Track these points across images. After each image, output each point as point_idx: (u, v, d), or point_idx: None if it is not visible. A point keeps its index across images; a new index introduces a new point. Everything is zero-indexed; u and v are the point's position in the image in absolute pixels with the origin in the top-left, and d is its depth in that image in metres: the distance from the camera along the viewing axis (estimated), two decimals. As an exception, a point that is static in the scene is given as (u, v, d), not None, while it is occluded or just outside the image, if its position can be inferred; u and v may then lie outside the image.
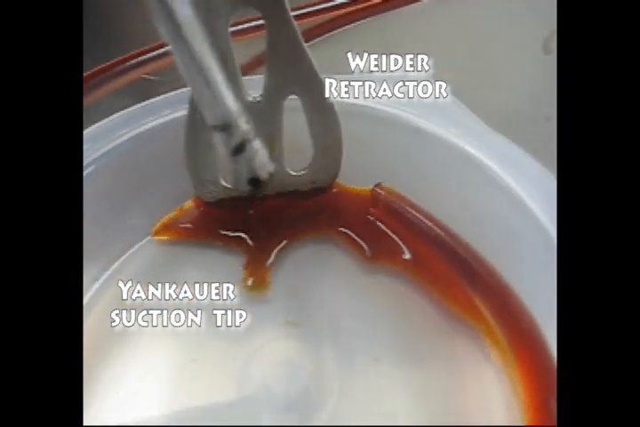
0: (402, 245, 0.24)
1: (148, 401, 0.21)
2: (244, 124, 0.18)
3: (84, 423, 0.19)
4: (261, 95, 0.22)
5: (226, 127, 0.17)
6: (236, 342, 0.22)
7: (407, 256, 0.24)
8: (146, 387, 0.21)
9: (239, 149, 0.18)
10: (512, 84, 0.33)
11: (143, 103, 0.23)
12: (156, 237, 0.24)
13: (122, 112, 0.23)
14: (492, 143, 0.23)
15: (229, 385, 0.21)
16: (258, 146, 0.18)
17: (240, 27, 0.32)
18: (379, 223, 0.25)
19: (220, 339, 0.22)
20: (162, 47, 0.27)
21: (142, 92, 0.26)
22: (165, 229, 0.24)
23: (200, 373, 0.21)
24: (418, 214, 0.24)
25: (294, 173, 0.24)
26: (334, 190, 0.25)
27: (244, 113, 0.18)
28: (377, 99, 0.24)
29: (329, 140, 0.23)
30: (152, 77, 0.28)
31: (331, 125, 0.22)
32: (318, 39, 0.34)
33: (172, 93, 0.23)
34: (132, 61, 0.26)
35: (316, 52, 0.21)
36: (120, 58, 0.26)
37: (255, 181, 0.19)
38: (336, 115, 0.22)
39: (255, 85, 0.22)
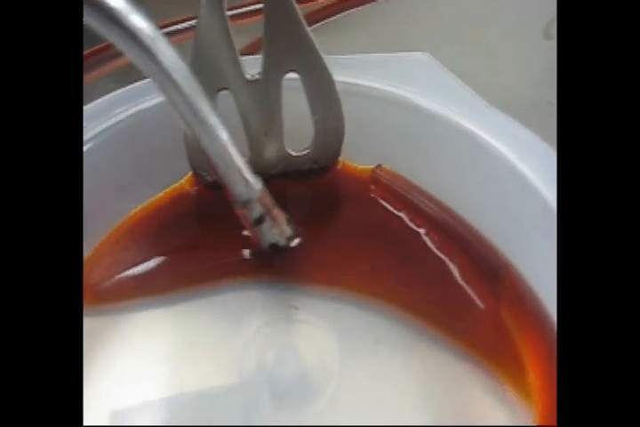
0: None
1: (144, 385, 0.20)
2: (263, 198, 0.20)
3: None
4: (260, 73, 0.21)
5: (247, 203, 0.19)
6: (235, 324, 0.21)
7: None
8: (142, 371, 0.20)
9: (260, 220, 0.20)
10: (514, 69, 0.33)
11: (142, 82, 0.22)
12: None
13: (119, 90, 0.22)
14: (494, 120, 0.22)
15: (229, 369, 0.20)
16: (277, 215, 0.21)
17: (238, 11, 0.32)
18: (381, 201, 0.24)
19: (218, 321, 0.21)
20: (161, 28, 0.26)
21: (140, 75, 0.26)
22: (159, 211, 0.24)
23: (198, 356, 0.21)
24: (418, 196, 0.24)
25: (295, 153, 0.23)
26: (337, 168, 0.24)
27: (263, 188, 0.20)
28: (376, 78, 0.24)
29: (330, 118, 0.22)
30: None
31: (332, 103, 0.22)
32: (320, 23, 0.34)
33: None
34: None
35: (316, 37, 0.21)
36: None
37: (275, 247, 0.21)
38: (337, 92, 0.22)
39: (255, 65, 0.22)
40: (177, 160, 0.23)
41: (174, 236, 0.23)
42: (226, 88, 0.22)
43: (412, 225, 0.24)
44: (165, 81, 0.17)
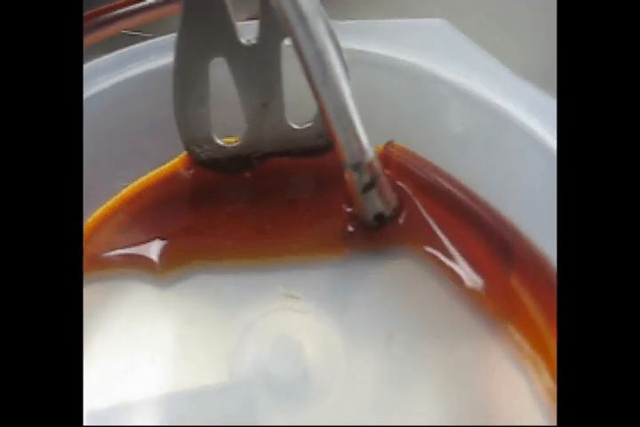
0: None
1: (128, 383, 0.18)
2: (373, 163, 0.19)
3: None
4: (257, 37, 0.19)
5: (357, 166, 0.18)
6: (227, 314, 0.19)
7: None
8: (126, 367, 0.18)
9: (368, 187, 0.19)
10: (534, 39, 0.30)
11: (125, 49, 0.20)
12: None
13: (101, 58, 0.20)
14: (521, 92, 0.20)
15: (220, 366, 0.18)
16: (384, 182, 0.19)
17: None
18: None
19: (209, 311, 0.19)
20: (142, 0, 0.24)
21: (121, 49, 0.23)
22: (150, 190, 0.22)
23: (186, 351, 0.19)
24: (434, 175, 0.22)
25: (298, 127, 0.21)
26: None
27: (374, 151, 0.19)
28: (387, 45, 0.21)
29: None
30: (133, 33, 0.25)
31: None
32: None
33: (159, 39, 0.21)
34: (110, 14, 0.23)
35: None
36: (95, 9, 0.23)
37: (380, 217, 0.20)
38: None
39: (252, 30, 0.19)
40: (169, 136, 0.21)
41: (166, 216, 0.21)
42: (219, 54, 0.19)
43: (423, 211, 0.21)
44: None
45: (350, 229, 0.21)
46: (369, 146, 0.18)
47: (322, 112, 0.18)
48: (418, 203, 0.21)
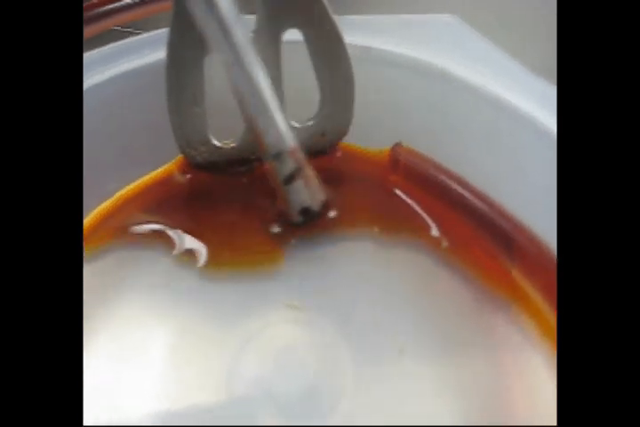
0: (428, 220, 0.20)
1: (120, 398, 0.17)
2: (295, 153, 0.18)
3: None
4: (254, 30, 0.18)
5: (278, 156, 0.17)
6: (226, 326, 0.18)
7: (434, 232, 0.20)
8: (115, 382, 0.17)
9: (290, 178, 0.18)
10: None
11: (116, 43, 0.19)
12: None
13: (90, 52, 0.19)
14: (537, 90, 0.19)
15: (217, 381, 0.17)
16: (309, 174, 0.18)
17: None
18: (399, 192, 0.21)
19: (205, 323, 0.18)
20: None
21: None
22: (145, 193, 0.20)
23: (181, 365, 0.17)
24: (446, 179, 0.20)
25: (299, 125, 0.20)
26: (344, 154, 0.21)
27: (297, 141, 0.18)
28: (395, 41, 0.20)
29: (338, 82, 0.19)
30: (124, 29, 0.24)
31: (340, 64, 0.19)
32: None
33: (152, 33, 0.20)
34: (101, 9, 0.22)
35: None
36: (87, 3, 0.22)
37: (307, 211, 0.19)
38: (346, 52, 0.18)
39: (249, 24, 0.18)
40: (163, 136, 0.19)
41: (160, 220, 0.20)
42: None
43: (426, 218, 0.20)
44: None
45: (276, 229, 0.20)
46: (289, 133, 0.17)
47: (236, 98, 0.17)
48: (425, 204, 0.20)
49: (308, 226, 0.19)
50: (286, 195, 0.18)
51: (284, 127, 0.17)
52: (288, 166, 0.17)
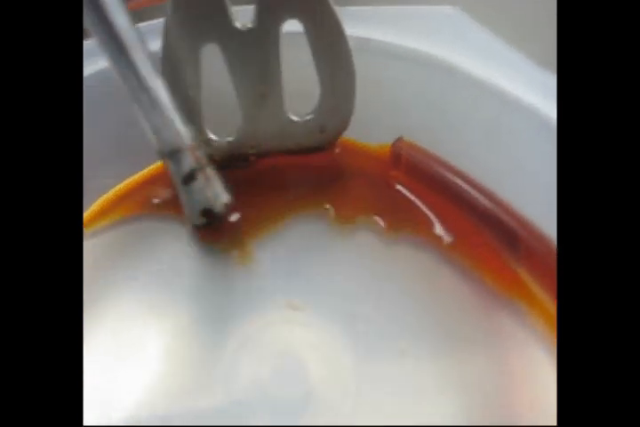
0: (430, 216, 0.20)
1: (112, 401, 0.16)
2: (194, 151, 0.17)
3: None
4: (253, 20, 0.18)
5: (174, 154, 0.17)
6: (221, 327, 0.17)
7: (437, 229, 0.19)
8: (109, 384, 0.16)
9: (189, 178, 0.17)
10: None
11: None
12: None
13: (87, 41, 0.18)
14: (544, 83, 0.18)
15: (214, 384, 0.16)
16: (210, 174, 0.18)
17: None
18: (401, 188, 0.20)
19: (201, 324, 0.17)
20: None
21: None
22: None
23: (176, 368, 0.17)
24: (449, 174, 0.20)
25: (298, 119, 0.19)
26: (344, 149, 0.20)
27: (196, 139, 0.17)
28: (396, 32, 0.20)
29: (339, 74, 0.18)
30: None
31: (341, 57, 0.18)
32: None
33: (147, 24, 0.19)
34: None
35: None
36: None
37: (208, 213, 0.18)
38: (347, 43, 0.18)
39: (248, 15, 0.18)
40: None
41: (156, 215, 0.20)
42: (212, 40, 0.18)
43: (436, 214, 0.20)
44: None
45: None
46: (185, 131, 0.17)
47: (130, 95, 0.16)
48: (427, 200, 0.20)
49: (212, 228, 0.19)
50: (185, 195, 0.18)
51: (180, 124, 0.16)
52: (186, 165, 0.17)
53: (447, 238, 0.19)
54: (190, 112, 0.19)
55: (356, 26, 0.19)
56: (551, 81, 0.18)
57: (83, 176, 0.13)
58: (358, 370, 0.16)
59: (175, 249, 0.19)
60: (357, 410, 0.16)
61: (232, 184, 0.19)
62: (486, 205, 0.19)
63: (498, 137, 0.19)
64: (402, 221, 0.20)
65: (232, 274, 0.18)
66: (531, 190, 0.19)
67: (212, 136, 0.19)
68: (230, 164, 0.20)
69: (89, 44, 0.18)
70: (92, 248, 0.19)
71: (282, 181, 0.20)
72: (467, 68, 0.19)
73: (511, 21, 0.23)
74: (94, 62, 0.18)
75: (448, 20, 0.20)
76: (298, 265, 0.18)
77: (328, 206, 0.20)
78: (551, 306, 0.17)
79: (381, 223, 0.20)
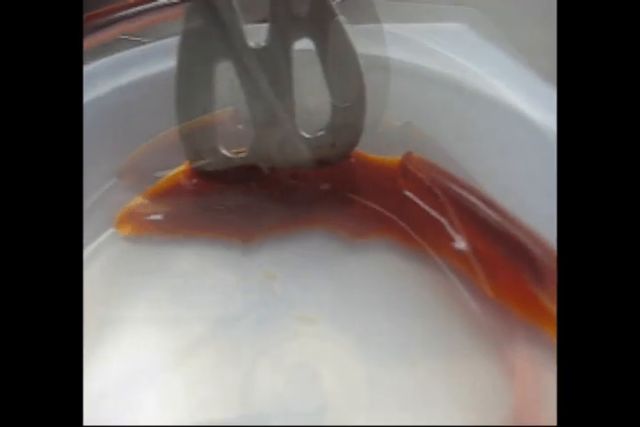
0: (450, 230, 0.20)
1: (126, 417, 0.16)
2: None
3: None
4: (266, 39, 0.18)
5: None
6: (237, 343, 0.17)
7: (448, 244, 0.20)
8: (123, 399, 0.17)
9: None
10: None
11: (124, 52, 0.19)
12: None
13: (98, 61, 0.19)
14: (549, 96, 0.18)
15: (230, 399, 0.17)
16: None
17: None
18: (412, 197, 0.20)
19: (216, 339, 0.18)
20: (146, 2, 0.23)
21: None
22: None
23: (193, 382, 0.17)
24: (460, 190, 0.20)
25: (310, 136, 0.19)
26: (356, 162, 0.21)
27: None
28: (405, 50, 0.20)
29: (350, 92, 0.19)
30: (133, 38, 0.24)
31: (351, 74, 0.18)
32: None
33: (161, 42, 0.19)
34: (109, 17, 0.22)
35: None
36: (93, 12, 0.21)
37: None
38: (358, 61, 0.18)
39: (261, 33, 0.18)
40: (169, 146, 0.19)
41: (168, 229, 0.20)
42: (225, 58, 0.18)
43: (449, 229, 0.20)
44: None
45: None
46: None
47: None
48: (436, 214, 0.20)
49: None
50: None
51: None
52: None
53: (458, 252, 0.19)
54: (205, 129, 0.19)
55: (367, 44, 0.20)
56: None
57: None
58: (371, 382, 0.17)
59: (188, 264, 0.20)
60: (371, 422, 0.16)
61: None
62: (498, 221, 0.19)
63: (508, 152, 0.19)
64: (412, 234, 0.20)
65: (247, 288, 0.19)
66: (543, 205, 0.19)
67: (226, 152, 0.19)
68: (245, 178, 0.20)
69: (101, 65, 0.19)
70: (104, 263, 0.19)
71: (293, 196, 0.21)
72: (476, 83, 0.19)
73: (518, 38, 0.23)
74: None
75: (457, 38, 0.21)
76: (312, 279, 0.19)
77: (341, 220, 0.20)
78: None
79: (393, 237, 0.20)
